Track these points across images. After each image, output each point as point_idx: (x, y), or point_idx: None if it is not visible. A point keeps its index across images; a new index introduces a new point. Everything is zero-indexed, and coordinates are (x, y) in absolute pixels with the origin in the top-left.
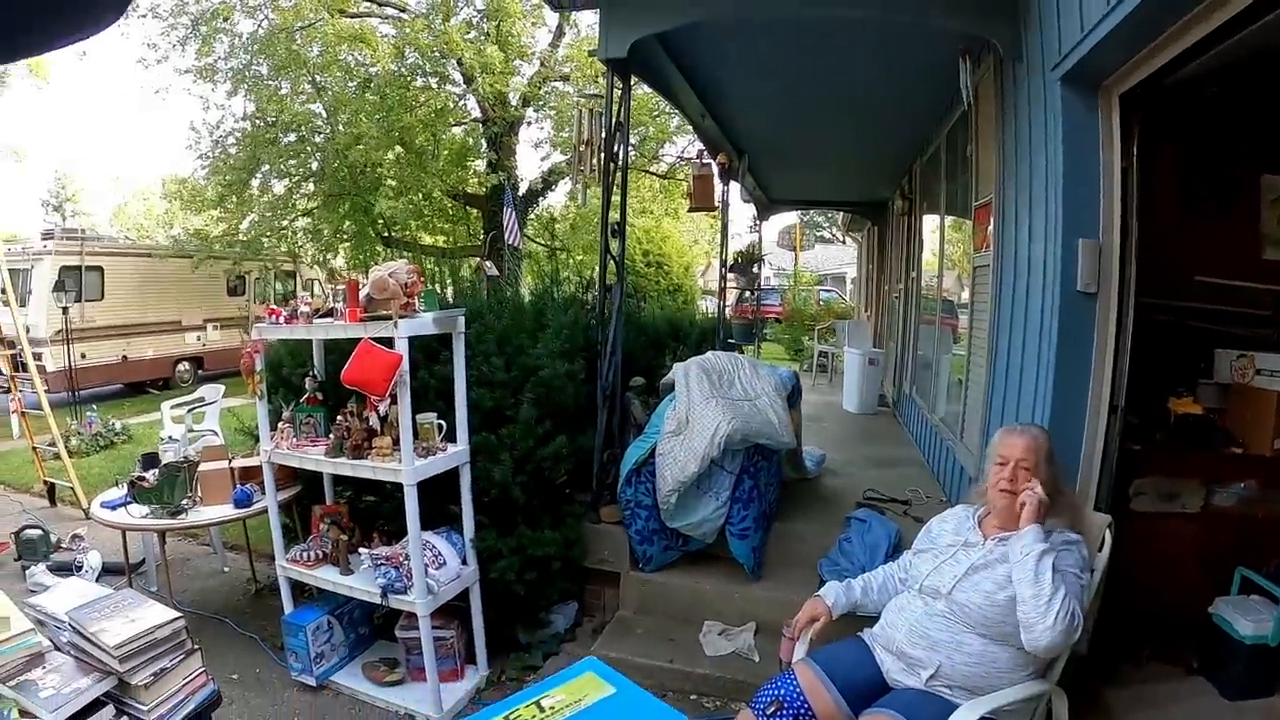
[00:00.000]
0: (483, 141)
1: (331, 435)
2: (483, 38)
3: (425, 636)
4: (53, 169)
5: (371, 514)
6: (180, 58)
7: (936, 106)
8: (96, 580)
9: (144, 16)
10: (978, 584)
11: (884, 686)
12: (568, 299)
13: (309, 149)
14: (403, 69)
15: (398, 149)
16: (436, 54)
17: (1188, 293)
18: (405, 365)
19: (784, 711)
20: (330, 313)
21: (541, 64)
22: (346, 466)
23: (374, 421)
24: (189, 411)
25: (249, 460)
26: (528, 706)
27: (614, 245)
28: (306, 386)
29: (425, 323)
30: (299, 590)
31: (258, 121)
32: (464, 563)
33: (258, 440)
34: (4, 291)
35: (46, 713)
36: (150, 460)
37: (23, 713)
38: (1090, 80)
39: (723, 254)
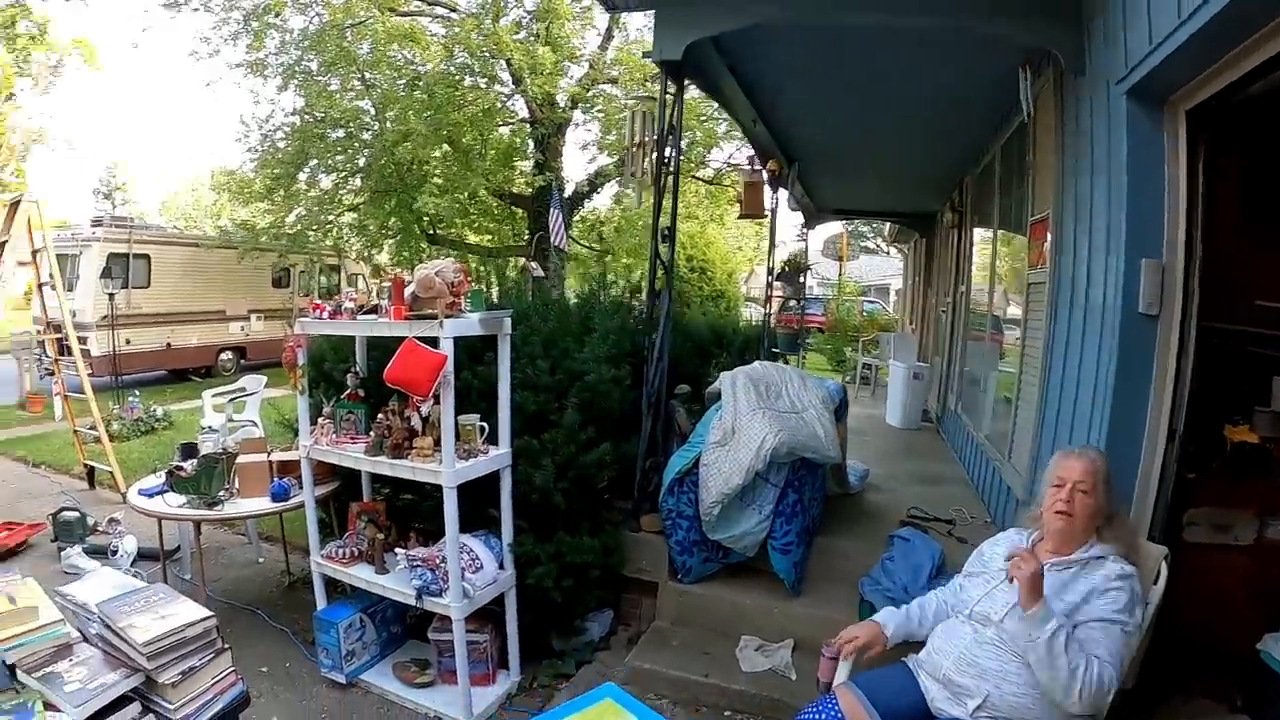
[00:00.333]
0: (530, 142)
1: (372, 433)
2: (532, 39)
3: (459, 640)
4: (104, 159)
5: (409, 512)
6: (232, 51)
7: (993, 118)
8: (131, 565)
9: (196, 10)
10: None
11: (927, 715)
12: (615, 303)
13: (356, 145)
14: (452, 68)
15: (445, 147)
16: (486, 54)
17: (1247, 317)
18: (450, 366)
19: None
20: (375, 309)
21: (590, 66)
22: (386, 466)
23: (415, 421)
24: (230, 401)
25: (288, 454)
26: None
27: (663, 250)
28: (348, 383)
29: (471, 323)
30: (332, 586)
31: (306, 116)
32: (501, 567)
33: (297, 434)
34: (52, 276)
35: (71, 707)
36: (189, 450)
37: (47, 705)
38: (1157, 95)
39: (770, 262)
